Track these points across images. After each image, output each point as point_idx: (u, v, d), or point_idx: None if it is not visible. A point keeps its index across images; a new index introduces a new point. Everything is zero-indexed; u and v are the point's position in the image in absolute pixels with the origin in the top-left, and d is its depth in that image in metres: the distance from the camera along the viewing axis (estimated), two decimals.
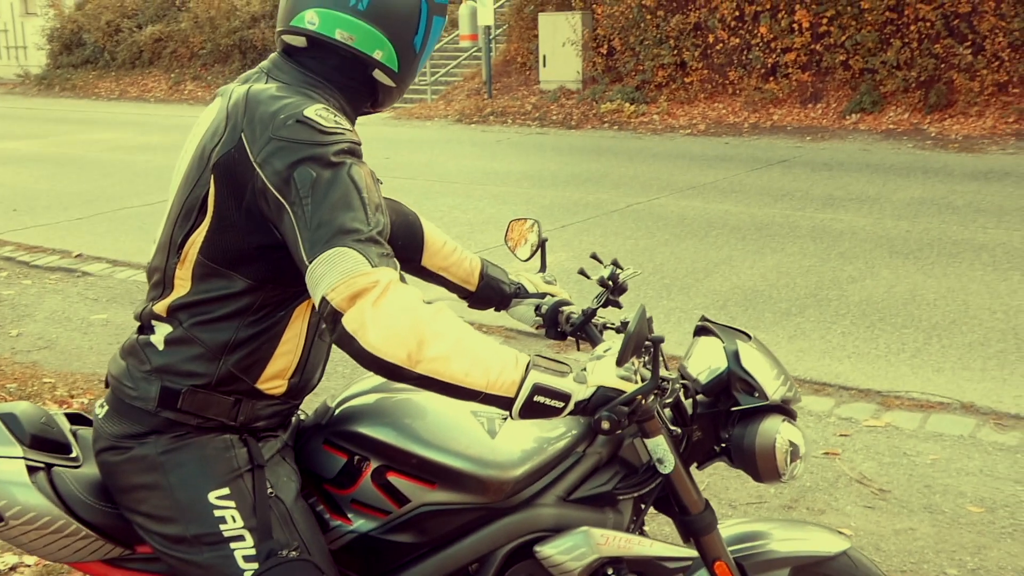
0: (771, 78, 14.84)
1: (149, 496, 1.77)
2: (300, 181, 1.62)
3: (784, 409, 2.04)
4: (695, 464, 2.08)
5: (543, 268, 2.45)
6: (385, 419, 1.92)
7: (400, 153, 12.90)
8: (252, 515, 1.78)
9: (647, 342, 1.85)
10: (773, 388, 2.03)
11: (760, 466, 1.99)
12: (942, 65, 13.35)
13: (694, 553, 2.02)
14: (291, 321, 1.82)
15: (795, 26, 14.42)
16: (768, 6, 14.71)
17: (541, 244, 2.40)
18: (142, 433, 1.77)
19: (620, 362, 1.78)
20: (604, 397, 1.75)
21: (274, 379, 1.83)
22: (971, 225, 7.98)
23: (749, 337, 2.11)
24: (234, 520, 1.76)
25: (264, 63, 1.88)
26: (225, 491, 1.77)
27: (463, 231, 8.23)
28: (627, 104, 15.40)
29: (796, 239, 7.74)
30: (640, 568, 1.97)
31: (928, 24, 13.37)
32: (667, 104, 15.38)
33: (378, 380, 2.00)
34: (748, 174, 10.63)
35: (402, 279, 1.63)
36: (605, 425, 1.74)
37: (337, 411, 1.98)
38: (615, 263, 2.36)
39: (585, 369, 1.78)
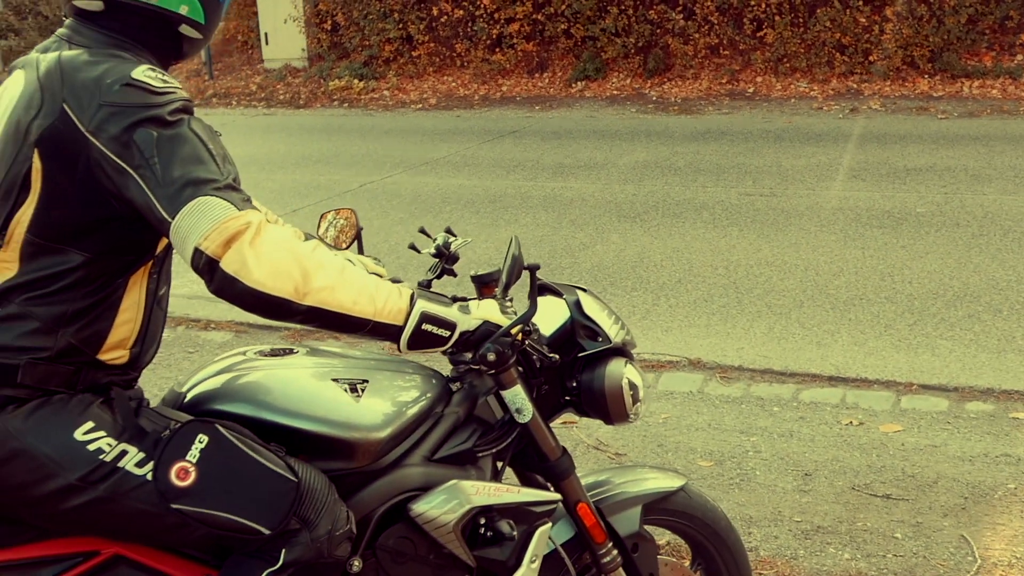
0: (497, 49, 15.05)
1: (14, 468, 1.68)
2: (142, 143, 1.61)
3: (624, 352, 2.18)
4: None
5: (360, 252, 2.47)
6: (243, 395, 1.92)
7: None
8: (122, 428, 1.75)
9: (523, 270, 1.97)
10: (614, 332, 2.17)
11: (611, 407, 2.12)
12: (658, 31, 13.97)
13: (558, 497, 2.12)
14: (128, 290, 1.78)
15: None
16: None
17: (359, 232, 2.43)
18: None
19: (505, 290, 1.93)
20: (487, 330, 1.86)
21: (115, 349, 1.78)
22: (692, 185, 8.40)
23: (584, 290, 2.24)
24: (109, 444, 1.72)
25: (60, 31, 1.80)
26: (88, 424, 1.72)
27: None
28: (356, 81, 15.19)
29: (529, 209, 7.88)
30: (509, 515, 2.03)
31: None
32: (396, 79, 15.29)
33: (225, 363, 2.02)
34: (480, 147, 10.73)
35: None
36: (491, 357, 1.87)
37: (189, 395, 1.95)
38: (448, 231, 2.40)
39: (466, 305, 1.86)
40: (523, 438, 2.09)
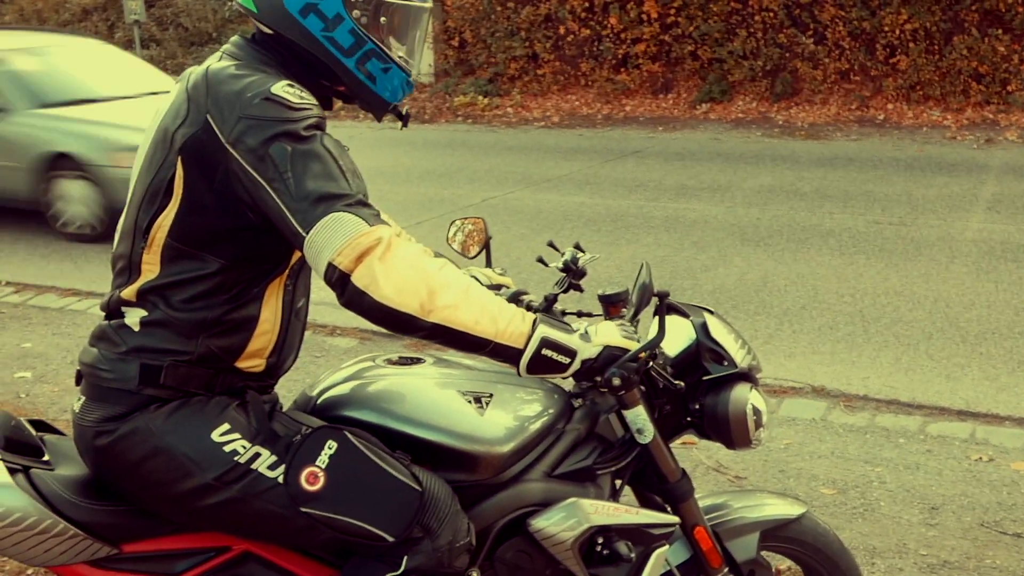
0: (622, 69, 15.09)
1: (155, 465, 1.76)
2: (277, 157, 1.66)
3: (749, 377, 2.15)
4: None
5: (488, 264, 2.50)
6: (371, 403, 1.96)
7: None
8: (256, 431, 1.81)
9: (653, 296, 1.98)
10: (740, 356, 2.14)
11: (734, 432, 2.10)
12: (787, 54, 13.82)
13: (676, 520, 2.12)
14: (265, 300, 1.84)
15: (644, 16, 14.69)
16: None
17: (487, 241, 2.45)
18: (124, 413, 1.76)
19: (634, 315, 1.95)
20: (611, 356, 1.85)
21: (252, 358, 1.85)
22: (818, 211, 8.28)
23: (711, 312, 2.22)
24: (244, 447, 1.78)
25: (225, 45, 1.90)
26: (224, 427, 1.78)
27: None
28: (480, 97, 15.42)
29: (650, 229, 7.88)
30: (627, 536, 2.03)
31: (772, 14, 13.82)
32: (520, 96, 15.47)
33: (354, 369, 2.06)
34: (602, 165, 10.77)
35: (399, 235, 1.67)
36: (616, 382, 1.86)
37: (320, 399, 2.00)
38: (577, 246, 2.41)
39: (586, 331, 1.86)
40: (642, 458, 2.10)
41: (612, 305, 2.15)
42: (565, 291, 2.34)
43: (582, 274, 2.37)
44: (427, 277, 1.68)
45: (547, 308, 2.25)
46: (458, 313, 1.69)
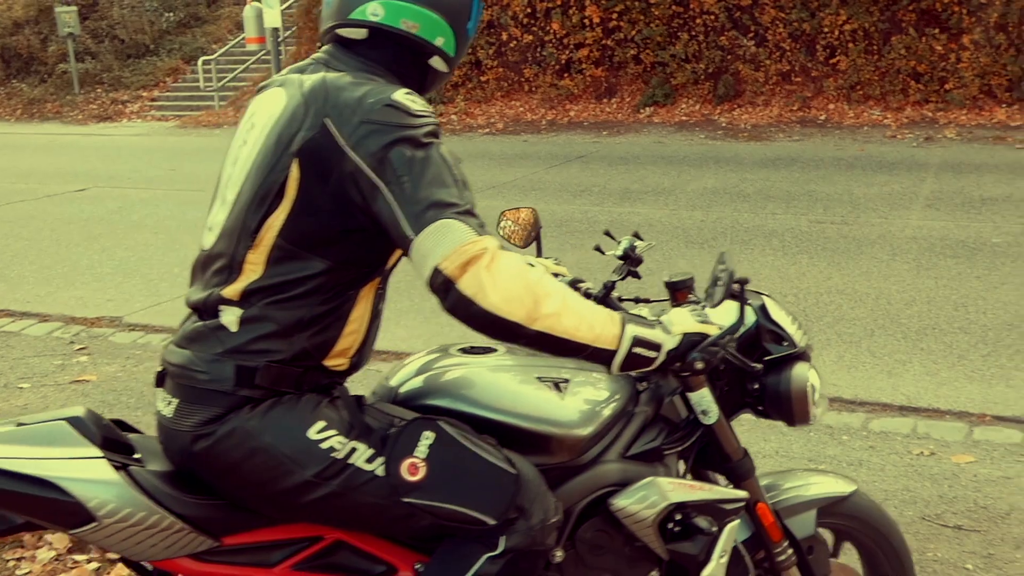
0: (566, 74, 15.18)
1: (254, 465, 1.80)
2: (396, 161, 1.72)
3: (806, 356, 2.25)
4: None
5: (539, 254, 2.54)
6: (455, 391, 2.02)
7: (187, 163, 12.49)
8: (350, 426, 1.86)
9: (735, 284, 2.07)
10: (799, 337, 2.25)
11: (795, 410, 2.19)
12: (728, 57, 14.00)
13: (745, 495, 2.19)
14: (357, 302, 1.88)
15: (586, 22, 14.80)
16: (559, 2, 15.04)
17: (538, 232, 2.51)
18: (221, 414, 1.80)
19: (719, 302, 2.03)
20: (691, 342, 1.93)
21: (339, 357, 1.89)
22: (761, 212, 8.40)
23: (767, 295, 2.32)
24: (340, 443, 1.83)
25: (317, 55, 1.95)
26: (320, 424, 1.83)
27: None
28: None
29: (595, 234, 7.88)
30: (701, 511, 2.10)
31: (713, 17, 13.99)
32: (464, 103, 15.50)
33: (427, 359, 2.12)
34: (548, 171, 10.83)
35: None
36: (699, 365, 1.93)
37: (402, 390, 2.05)
38: (635, 235, 2.50)
39: (663, 322, 1.95)
40: (704, 438, 2.18)
41: (678, 291, 2.21)
42: (623, 278, 2.42)
43: (639, 261, 2.46)
44: (531, 286, 1.74)
45: (605, 295, 2.35)
46: (560, 321, 1.76)
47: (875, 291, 6.22)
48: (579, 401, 2.07)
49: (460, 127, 14.59)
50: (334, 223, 1.80)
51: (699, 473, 2.29)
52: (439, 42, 1.93)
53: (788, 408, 2.20)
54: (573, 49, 15.01)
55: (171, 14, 21.36)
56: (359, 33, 1.93)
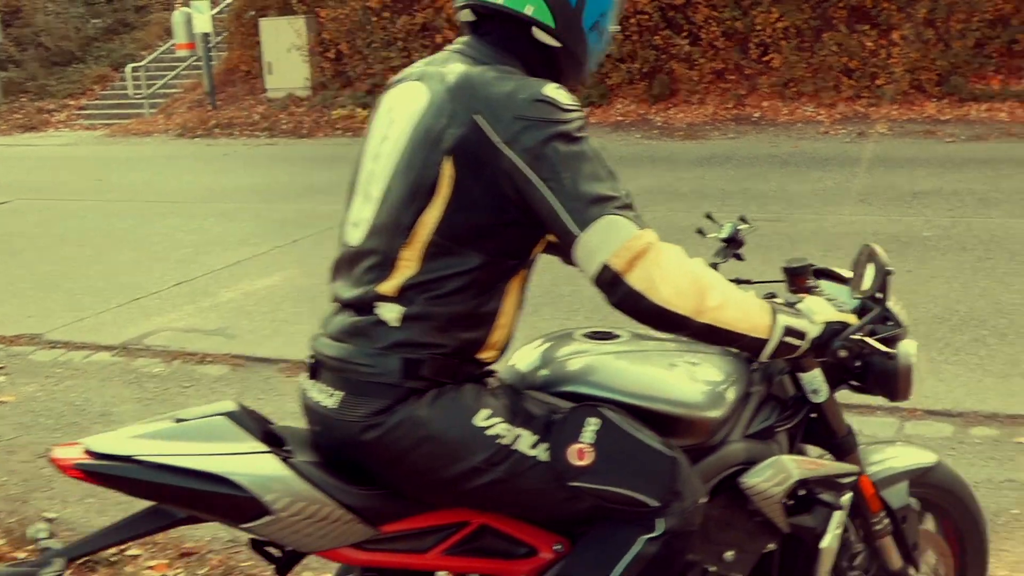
0: None
1: (424, 453, 1.84)
2: (553, 157, 1.73)
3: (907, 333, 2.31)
4: None
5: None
6: (594, 378, 2.05)
7: (115, 173, 12.26)
8: (513, 413, 1.89)
9: (887, 275, 2.17)
10: (904, 316, 2.29)
11: (901, 386, 2.23)
12: (663, 56, 14.07)
13: (857, 468, 2.28)
14: (507, 294, 1.90)
15: None
16: None
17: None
18: (389, 405, 1.82)
19: (873, 293, 2.14)
20: (833, 331, 2.01)
21: (490, 350, 1.92)
22: (696, 211, 8.31)
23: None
24: (506, 430, 1.86)
25: (452, 46, 1.96)
26: (485, 412, 1.86)
27: (187, 253, 7.90)
28: (359, 109, 15.31)
29: None
30: (820, 485, 2.19)
31: (647, 16, 14.05)
32: None
33: (555, 344, 2.16)
34: None
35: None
36: (842, 354, 2.01)
37: (539, 376, 2.08)
38: (741, 218, 2.62)
39: (803, 310, 2.02)
40: (809, 415, 2.27)
41: (797, 276, 2.29)
42: (725, 260, 2.52)
43: (742, 244, 2.58)
44: (697, 279, 1.79)
45: None
46: (723, 313, 1.81)
47: None
48: (706, 383, 2.12)
49: None
50: (489, 217, 1.82)
51: (796, 449, 2.36)
52: (528, 11, 1.89)
53: (895, 384, 2.24)
54: None
55: (98, 20, 21.01)
56: (467, 15, 1.96)
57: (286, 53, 16.57)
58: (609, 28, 2.02)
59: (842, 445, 2.30)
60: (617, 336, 2.21)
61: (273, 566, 2.00)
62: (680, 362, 2.15)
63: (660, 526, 1.91)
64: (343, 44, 16.27)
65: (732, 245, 2.56)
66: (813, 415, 2.27)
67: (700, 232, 2.59)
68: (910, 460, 2.52)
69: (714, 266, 2.43)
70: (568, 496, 1.91)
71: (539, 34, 1.91)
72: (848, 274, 2.36)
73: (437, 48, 13.09)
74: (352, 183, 1.99)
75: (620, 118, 13.62)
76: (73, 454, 1.78)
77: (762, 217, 7.97)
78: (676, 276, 1.76)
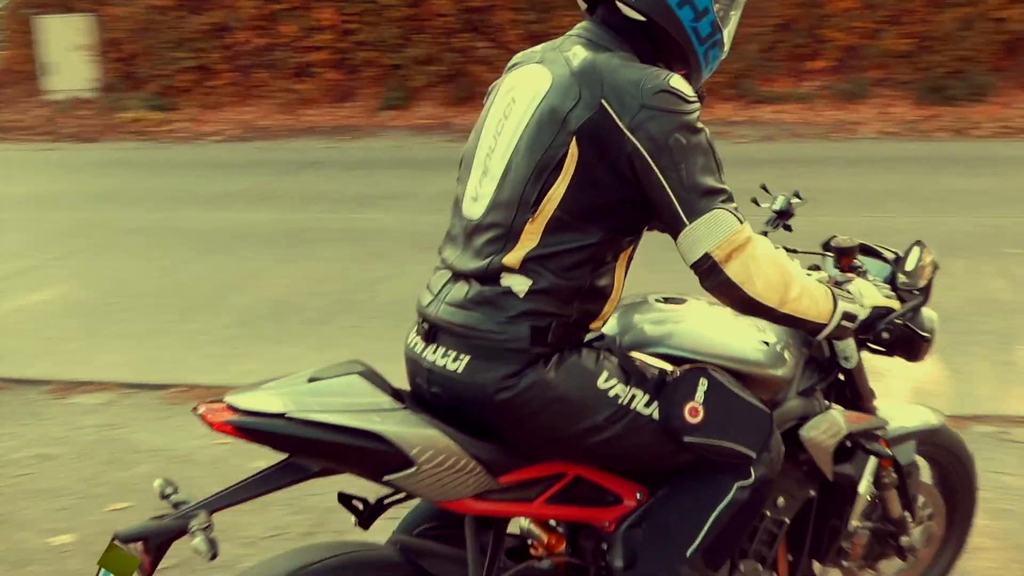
0: (301, 78, 14.82)
1: (553, 412, 1.95)
2: (674, 147, 1.83)
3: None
4: None
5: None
6: (677, 339, 2.22)
7: None
8: (627, 375, 2.03)
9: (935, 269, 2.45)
10: (924, 286, 2.48)
11: (924, 349, 2.40)
12: (464, 59, 14.05)
13: (887, 422, 2.56)
14: (618, 269, 2.01)
15: (320, 24, 14.50)
16: (291, 4, 14.65)
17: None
18: (519, 370, 1.92)
19: (927, 284, 2.42)
20: (878, 315, 2.19)
21: (599, 320, 2.03)
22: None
23: (895, 252, 2.60)
24: (623, 390, 2.00)
25: (573, 31, 2.04)
26: (605, 374, 1.99)
27: None
28: (150, 112, 14.66)
29: (329, 243, 7.70)
30: (861, 436, 2.46)
31: (448, 19, 14.01)
32: (194, 110, 14.85)
33: (635, 309, 2.30)
34: (280, 178, 10.48)
35: None
36: (886, 336, 2.24)
37: (626, 339, 2.21)
38: (795, 194, 2.74)
39: (852, 294, 2.18)
40: (847, 378, 2.52)
41: (844, 256, 2.46)
42: (775, 230, 2.69)
43: (792, 216, 2.72)
44: (783, 273, 1.95)
45: None
46: (800, 303, 1.99)
47: None
48: (774, 346, 2.32)
49: (189, 135, 13.93)
50: (609, 195, 1.92)
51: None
52: None
53: (918, 347, 2.40)
54: (308, 52, 14.66)
55: None
56: (580, 2, 2.10)
57: (69, 53, 15.71)
58: (715, 8, 2.05)
59: (864, 406, 2.54)
60: (686, 301, 2.39)
61: (355, 519, 2.13)
62: (748, 327, 2.33)
63: (752, 474, 2.14)
64: (132, 44, 15.54)
65: (783, 216, 2.72)
66: (841, 377, 2.52)
67: (755, 201, 2.72)
68: (919, 420, 2.77)
69: (764, 234, 2.52)
70: (674, 450, 2.08)
71: (624, 9, 1.99)
72: (888, 253, 2.58)
73: (233, 49, 12.70)
74: (468, 159, 2.09)
75: (422, 121, 13.53)
76: (219, 410, 1.86)
77: None
78: (767, 270, 1.92)
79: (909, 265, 2.45)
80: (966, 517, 2.95)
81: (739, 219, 1.87)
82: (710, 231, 1.85)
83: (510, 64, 2.15)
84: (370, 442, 1.87)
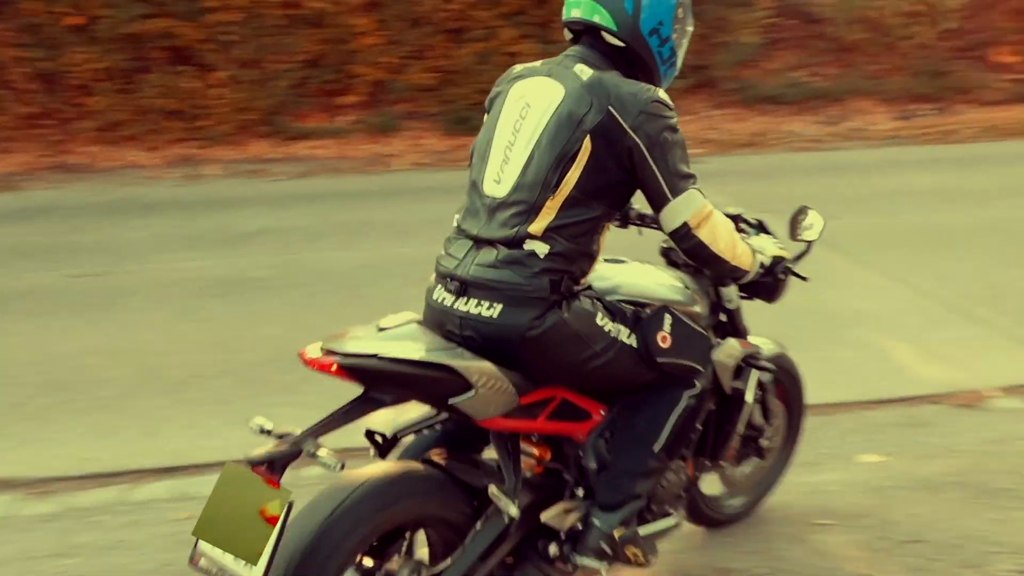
0: None
1: (567, 345, 2.63)
2: (664, 144, 2.57)
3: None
4: None
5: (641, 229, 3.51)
6: (633, 286, 2.97)
7: None
8: (613, 315, 2.76)
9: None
10: (812, 240, 3.37)
11: (780, 293, 3.26)
12: None
13: (772, 343, 3.57)
14: (603, 236, 2.72)
15: None
16: None
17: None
18: (542, 313, 2.57)
19: (813, 238, 3.34)
20: (775, 262, 3.10)
21: (588, 276, 2.73)
22: (10, 271, 7.61)
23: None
24: (613, 327, 2.72)
25: (571, 51, 2.75)
26: (599, 315, 2.70)
27: None
28: None
29: None
30: (748, 359, 3.23)
31: None
32: None
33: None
34: None
35: None
36: (782, 277, 3.12)
37: (596, 287, 2.82)
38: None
39: (758, 247, 3.06)
40: (730, 317, 3.34)
41: (736, 221, 3.28)
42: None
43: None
44: (732, 235, 2.75)
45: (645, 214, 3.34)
46: (743, 259, 2.81)
47: (136, 345, 5.91)
48: (692, 291, 3.13)
49: None
50: (612, 178, 2.60)
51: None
52: (597, 19, 2.69)
53: (776, 292, 3.24)
54: None
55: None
56: (567, 33, 2.82)
57: None
58: (673, 37, 2.75)
59: (742, 335, 3.34)
60: (625, 261, 3.11)
61: (374, 451, 2.74)
62: (671, 278, 3.12)
63: (697, 385, 2.91)
64: None
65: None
66: (723, 317, 3.31)
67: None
68: (768, 349, 3.53)
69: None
70: (644, 370, 2.80)
71: (607, 36, 2.70)
72: (753, 221, 3.35)
73: None
74: (483, 151, 2.72)
75: None
76: (322, 355, 2.39)
77: (88, 272, 7.48)
78: (723, 233, 2.70)
79: (805, 222, 3.33)
80: (798, 425, 3.85)
81: (704, 196, 2.64)
82: (687, 206, 2.60)
83: (511, 75, 2.79)
84: (442, 373, 2.45)
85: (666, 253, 3.32)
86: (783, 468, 3.87)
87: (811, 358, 5.55)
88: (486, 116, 2.81)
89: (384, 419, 2.68)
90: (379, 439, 2.71)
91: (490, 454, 2.78)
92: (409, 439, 2.80)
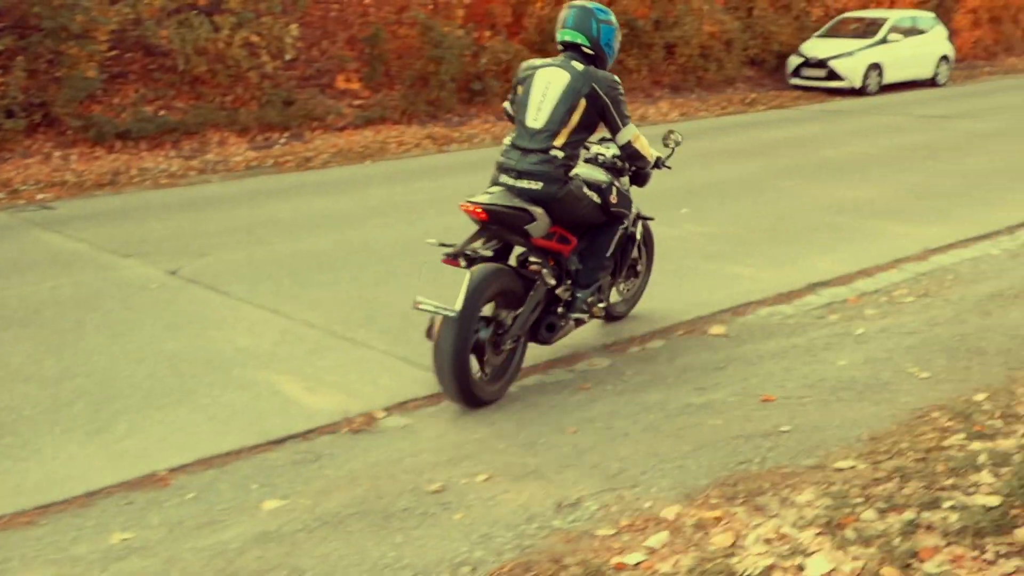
0: None
1: (576, 201, 5.56)
2: (617, 101, 5.52)
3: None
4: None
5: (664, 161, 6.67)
6: (587, 175, 5.91)
7: None
8: (589, 187, 5.75)
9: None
10: (673, 147, 6.61)
11: (648, 180, 6.36)
12: None
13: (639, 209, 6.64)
14: (582, 148, 5.74)
15: None
16: None
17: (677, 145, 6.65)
18: (562, 186, 5.40)
19: (673, 148, 6.74)
20: (656, 158, 6.25)
21: (574, 169, 5.58)
22: None
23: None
24: (590, 192, 5.84)
25: (566, 55, 5.63)
26: (583, 187, 5.67)
27: None
28: None
29: None
30: (638, 215, 6.62)
31: None
32: None
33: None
34: None
35: None
36: (663, 167, 6.44)
37: (574, 171, 5.73)
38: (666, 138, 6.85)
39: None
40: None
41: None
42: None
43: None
44: (647, 146, 5.81)
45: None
46: (650, 157, 5.96)
47: None
48: (615, 176, 6.14)
49: None
50: (592, 119, 5.48)
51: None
52: (579, 40, 5.56)
53: (646, 181, 6.32)
54: None
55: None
56: (559, 48, 5.69)
57: None
58: (615, 45, 5.71)
59: (638, 177, 6.35)
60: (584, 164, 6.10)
61: (467, 264, 5.34)
62: (602, 173, 6.02)
63: (626, 223, 6.08)
64: None
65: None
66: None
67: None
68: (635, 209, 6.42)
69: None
70: (601, 215, 5.82)
71: (585, 49, 5.57)
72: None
73: None
74: (522, 106, 5.55)
75: None
76: (472, 205, 5.28)
77: None
78: (645, 143, 5.78)
79: (672, 136, 6.47)
80: (651, 257, 6.91)
81: (636, 127, 5.68)
82: (629, 132, 5.64)
83: (532, 66, 5.67)
84: (524, 213, 5.31)
85: (593, 159, 6.19)
86: (644, 286, 6.95)
87: (199, 407, 5.33)
88: (519, 88, 5.63)
89: (473, 246, 5.41)
90: (463, 262, 5.31)
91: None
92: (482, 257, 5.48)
